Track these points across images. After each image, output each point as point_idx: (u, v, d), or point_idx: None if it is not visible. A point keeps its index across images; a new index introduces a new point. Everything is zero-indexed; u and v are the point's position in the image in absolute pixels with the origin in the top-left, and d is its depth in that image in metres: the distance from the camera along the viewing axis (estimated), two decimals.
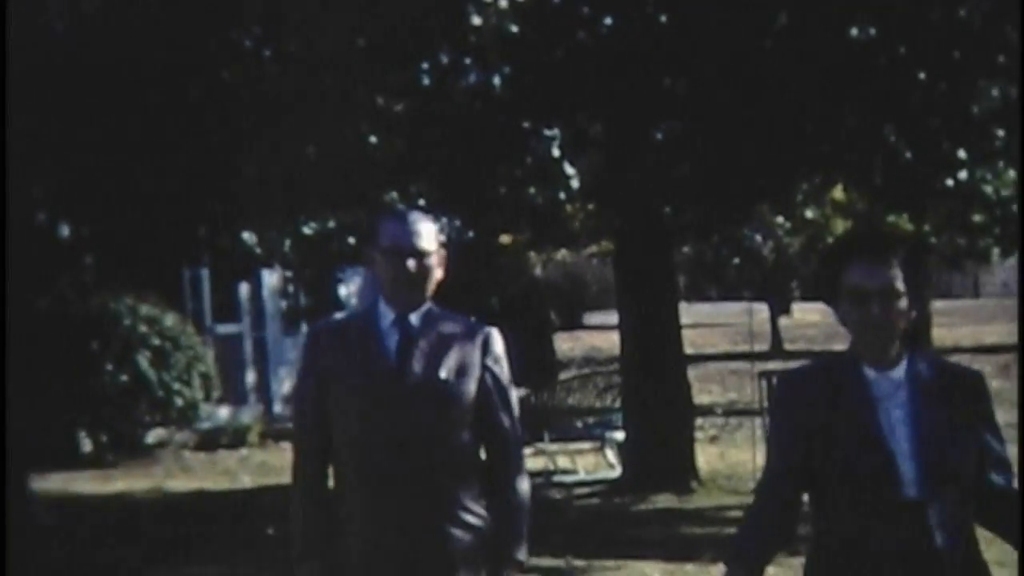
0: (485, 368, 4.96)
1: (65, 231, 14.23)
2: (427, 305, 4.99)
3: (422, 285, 4.95)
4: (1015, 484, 4.11)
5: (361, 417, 4.92)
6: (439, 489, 4.89)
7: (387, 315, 4.98)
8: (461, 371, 4.93)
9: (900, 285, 4.01)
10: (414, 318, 4.96)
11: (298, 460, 5.11)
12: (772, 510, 4.16)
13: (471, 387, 4.93)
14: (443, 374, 4.90)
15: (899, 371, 4.08)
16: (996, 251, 19.67)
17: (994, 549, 4.26)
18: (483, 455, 5.04)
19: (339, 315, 5.58)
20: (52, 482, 16.62)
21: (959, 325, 35.54)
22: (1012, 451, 4.33)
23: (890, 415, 4.04)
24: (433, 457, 4.88)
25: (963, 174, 14.37)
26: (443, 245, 5.03)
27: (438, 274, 5.00)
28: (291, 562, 5.07)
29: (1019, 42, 12.34)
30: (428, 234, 4.94)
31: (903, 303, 4.02)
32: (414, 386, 4.90)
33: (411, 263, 4.90)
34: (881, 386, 4.07)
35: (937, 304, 30.04)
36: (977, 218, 16.58)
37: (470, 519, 4.93)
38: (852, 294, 4.01)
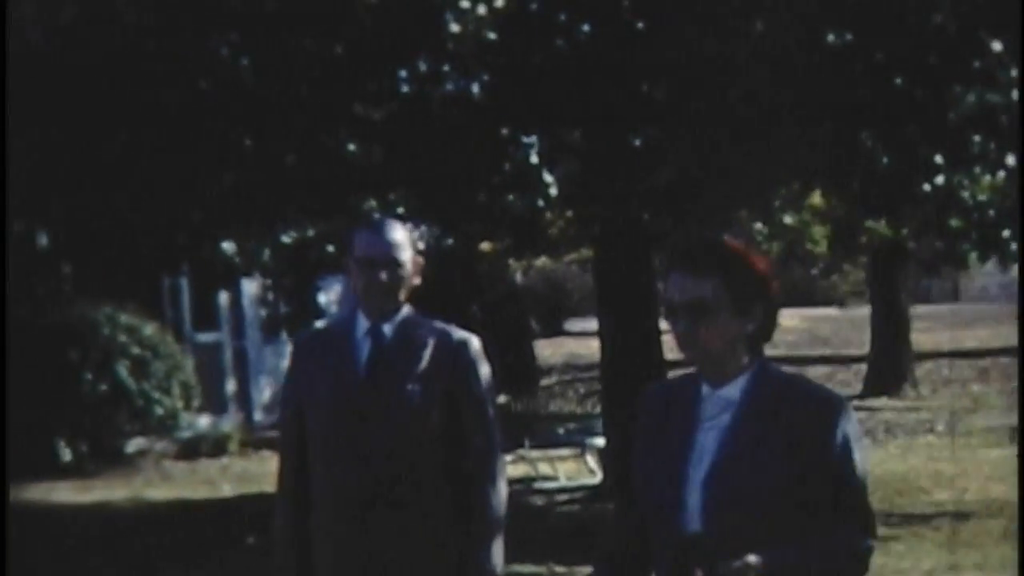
0: (458, 377, 4.92)
1: (43, 240, 14.22)
2: (403, 313, 4.96)
3: (395, 294, 4.92)
4: (848, 533, 3.59)
5: (328, 428, 4.92)
6: (405, 504, 4.86)
7: (362, 324, 4.96)
8: (432, 381, 4.88)
9: (712, 299, 3.58)
10: (388, 327, 4.93)
11: (280, 470, 5.11)
12: (619, 543, 3.88)
13: (442, 397, 4.88)
14: (412, 385, 4.86)
15: (734, 389, 3.66)
16: (974, 256, 19.70)
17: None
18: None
19: (321, 323, 5.56)
20: (32, 492, 16.58)
21: (939, 330, 35.61)
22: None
23: (706, 438, 3.65)
24: (399, 471, 4.85)
25: (940, 179, 14.40)
26: (420, 253, 5.01)
27: (414, 282, 4.97)
28: (271, 571, 5.07)
29: (1019, 42, 12.38)
30: (401, 243, 4.91)
31: (719, 318, 3.60)
32: (382, 398, 4.87)
33: (383, 273, 4.87)
34: (710, 405, 3.67)
35: (917, 309, 30.09)
36: (954, 223, 16.59)
37: (437, 534, 4.89)
38: (665, 307, 3.66)
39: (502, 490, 4.97)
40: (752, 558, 3.42)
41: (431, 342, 4.94)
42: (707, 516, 3.57)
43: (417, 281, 4.99)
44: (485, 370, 4.99)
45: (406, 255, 4.91)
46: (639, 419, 3.86)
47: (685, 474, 3.62)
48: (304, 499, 5.00)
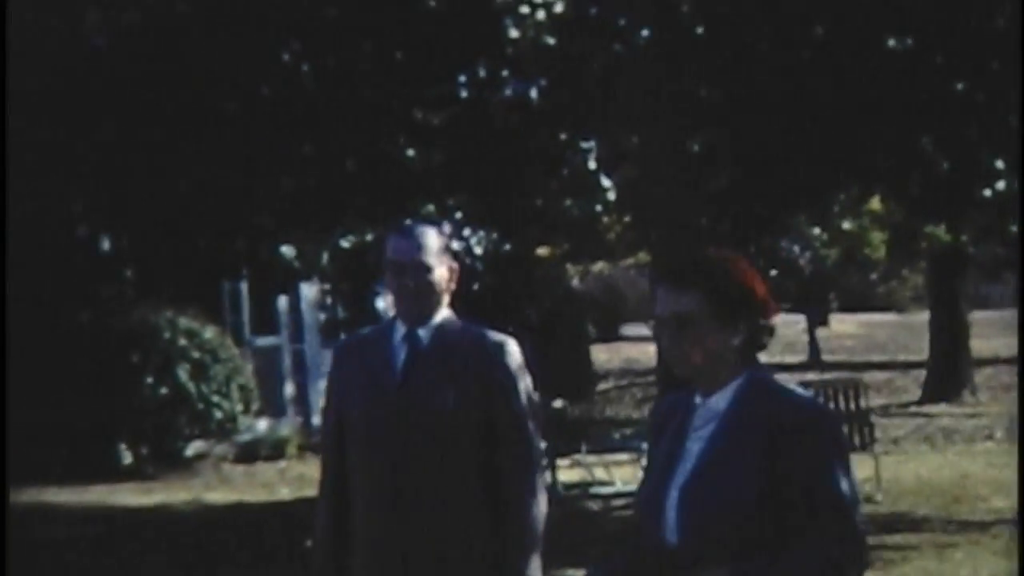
0: (493, 381, 4.83)
1: (106, 245, 14.35)
2: (440, 317, 4.90)
3: (425, 299, 4.85)
4: (825, 549, 3.46)
5: (364, 434, 4.89)
6: (439, 510, 4.80)
7: (399, 330, 4.91)
8: (467, 385, 4.81)
9: (695, 312, 3.57)
10: (423, 332, 4.88)
11: (322, 475, 5.12)
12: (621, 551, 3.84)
13: (478, 403, 4.80)
14: (447, 390, 4.80)
15: (722, 400, 3.62)
16: None
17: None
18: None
19: (365, 329, 5.48)
20: (93, 494, 16.70)
21: (998, 336, 35.35)
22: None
23: (692, 448, 3.61)
24: (433, 476, 4.80)
25: (1001, 184, 14.31)
26: (455, 258, 4.93)
27: (448, 287, 4.90)
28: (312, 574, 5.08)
29: (1019, 42, 12.31)
30: (431, 248, 4.83)
31: (702, 331, 3.58)
32: (417, 403, 4.81)
33: (411, 278, 4.82)
34: (699, 415, 3.64)
35: (976, 315, 29.88)
36: (1015, 228, 16.50)
37: (473, 541, 4.82)
38: (654, 321, 3.67)
39: (541, 502, 4.87)
40: (719, 573, 3.42)
41: (467, 346, 4.86)
42: (681, 527, 3.53)
43: (452, 286, 4.91)
44: (522, 374, 4.90)
45: (435, 260, 4.83)
46: (648, 429, 3.85)
47: (669, 484, 3.59)
48: (344, 504, 4.97)
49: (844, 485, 3.51)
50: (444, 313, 4.92)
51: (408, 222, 4.97)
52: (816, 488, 3.47)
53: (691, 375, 3.63)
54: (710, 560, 3.44)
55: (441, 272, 4.86)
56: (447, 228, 5.16)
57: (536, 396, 5.03)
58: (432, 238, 4.86)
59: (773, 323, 3.70)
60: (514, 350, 4.89)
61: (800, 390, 3.68)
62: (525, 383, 4.90)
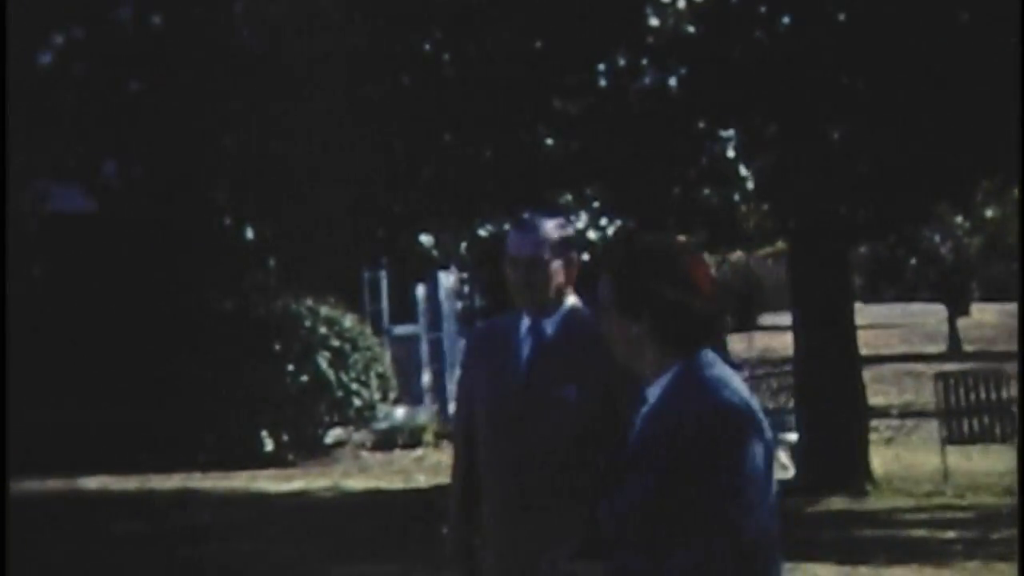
0: (614, 376, 4.66)
1: (249, 234, 14.56)
2: (566, 307, 4.90)
3: (544, 294, 4.86)
4: (697, 554, 3.40)
5: (489, 427, 4.91)
6: (562, 505, 4.77)
7: (526, 321, 4.93)
8: (590, 378, 4.80)
9: (603, 297, 3.56)
10: (548, 324, 4.89)
11: (454, 464, 5.17)
12: None
13: (598, 396, 4.79)
14: (570, 386, 4.81)
15: (655, 390, 3.56)
16: None
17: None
18: None
19: (497, 317, 5.50)
20: (235, 480, 16.96)
21: None
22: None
23: (632, 439, 3.59)
24: (557, 471, 4.79)
25: None
26: (573, 249, 4.93)
27: (565, 279, 4.89)
28: (443, 564, 5.12)
29: (1020, 41, 12.05)
30: (548, 242, 4.84)
31: (609, 317, 3.56)
32: (540, 398, 4.82)
33: (525, 273, 4.84)
34: (645, 406, 3.58)
35: None
36: None
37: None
38: None
39: None
40: (592, 568, 3.45)
41: (590, 337, 4.77)
42: (608, 512, 3.53)
43: (573, 277, 4.91)
44: None
45: (552, 254, 4.84)
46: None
47: (615, 472, 3.59)
48: (474, 493, 5.01)
49: (730, 488, 3.41)
50: (570, 303, 4.93)
51: (527, 216, 4.96)
52: (702, 488, 3.39)
53: (631, 359, 3.58)
54: (628, 548, 3.45)
55: (559, 265, 4.87)
56: (567, 219, 5.14)
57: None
58: (550, 231, 4.87)
59: (697, 318, 3.57)
60: None
61: (722, 383, 3.53)
62: None
